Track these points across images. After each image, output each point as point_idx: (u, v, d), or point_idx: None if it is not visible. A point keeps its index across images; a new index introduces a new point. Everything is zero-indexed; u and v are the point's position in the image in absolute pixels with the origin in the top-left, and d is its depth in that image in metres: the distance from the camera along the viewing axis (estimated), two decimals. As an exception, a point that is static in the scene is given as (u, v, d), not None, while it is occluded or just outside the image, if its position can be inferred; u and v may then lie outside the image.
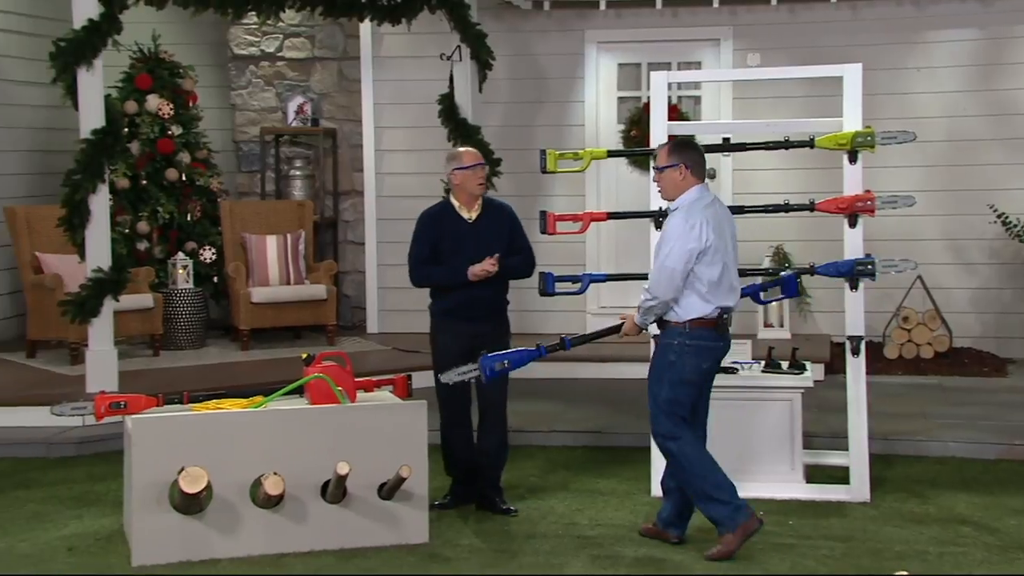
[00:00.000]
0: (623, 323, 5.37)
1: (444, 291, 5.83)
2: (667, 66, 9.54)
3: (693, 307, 5.13)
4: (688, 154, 5.23)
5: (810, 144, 6.10)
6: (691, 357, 5.15)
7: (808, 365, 6.26)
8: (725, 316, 5.21)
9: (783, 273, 5.87)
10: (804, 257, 8.63)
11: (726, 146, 6.56)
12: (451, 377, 5.40)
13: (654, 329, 5.36)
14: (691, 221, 5.10)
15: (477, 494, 5.85)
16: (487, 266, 5.68)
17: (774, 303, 5.97)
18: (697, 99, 9.85)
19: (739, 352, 6.24)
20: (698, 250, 5.09)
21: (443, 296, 5.83)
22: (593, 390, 8.27)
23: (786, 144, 6.24)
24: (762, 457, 6.06)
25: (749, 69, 9.26)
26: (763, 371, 6.19)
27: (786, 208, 6.22)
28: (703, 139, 8.56)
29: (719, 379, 6.09)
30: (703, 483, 5.10)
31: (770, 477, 6.03)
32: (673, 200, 5.24)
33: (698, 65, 9.74)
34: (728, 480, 5.14)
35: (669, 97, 6.96)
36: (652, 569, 5.04)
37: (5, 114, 9.74)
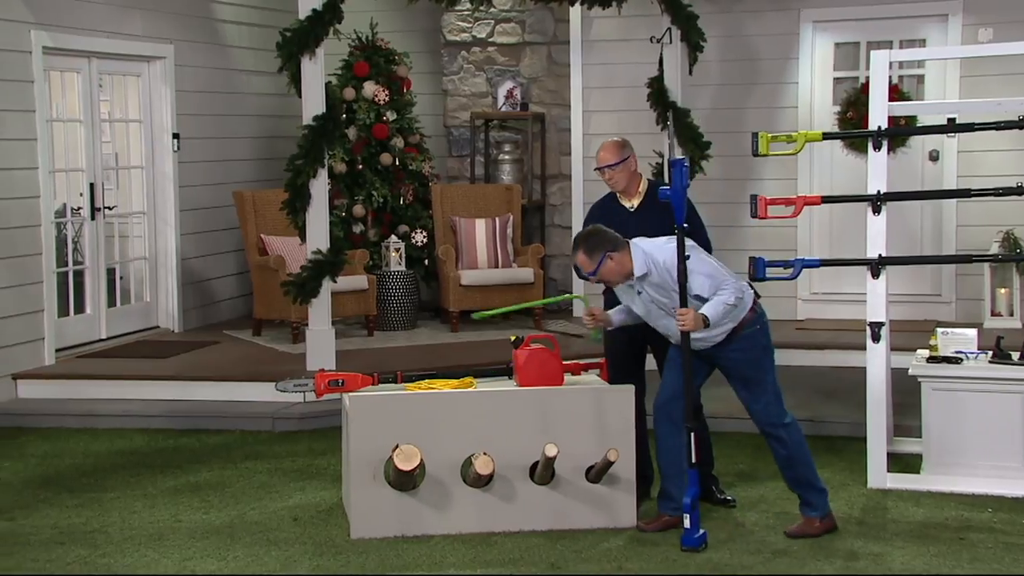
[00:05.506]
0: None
1: None
2: (888, 44, 9.20)
3: (746, 289, 5.23)
4: None
5: (1047, 123, 5.78)
6: (769, 334, 5.30)
7: (1042, 357, 5.93)
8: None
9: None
10: (1036, 243, 8.20)
11: (952, 127, 6.30)
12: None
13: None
14: None
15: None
16: None
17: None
18: (920, 78, 9.44)
19: (964, 342, 5.99)
20: None
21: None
22: (807, 378, 8.03)
23: (1020, 123, 5.92)
24: (989, 452, 5.80)
25: (979, 45, 8.79)
26: (990, 362, 5.90)
27: (1019, 191, 5.91)
28: (925, 119, 8.24)
29: (941, 369, 5.89)
30: (806, 470, 5.22)
31: (998, 473, 5.76)
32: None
33: (922, 43, 9.32)
34: None
35: (890, 77, 6.68)
36: (868, 562, 4.89)
37: (236, 102, 10.22)
